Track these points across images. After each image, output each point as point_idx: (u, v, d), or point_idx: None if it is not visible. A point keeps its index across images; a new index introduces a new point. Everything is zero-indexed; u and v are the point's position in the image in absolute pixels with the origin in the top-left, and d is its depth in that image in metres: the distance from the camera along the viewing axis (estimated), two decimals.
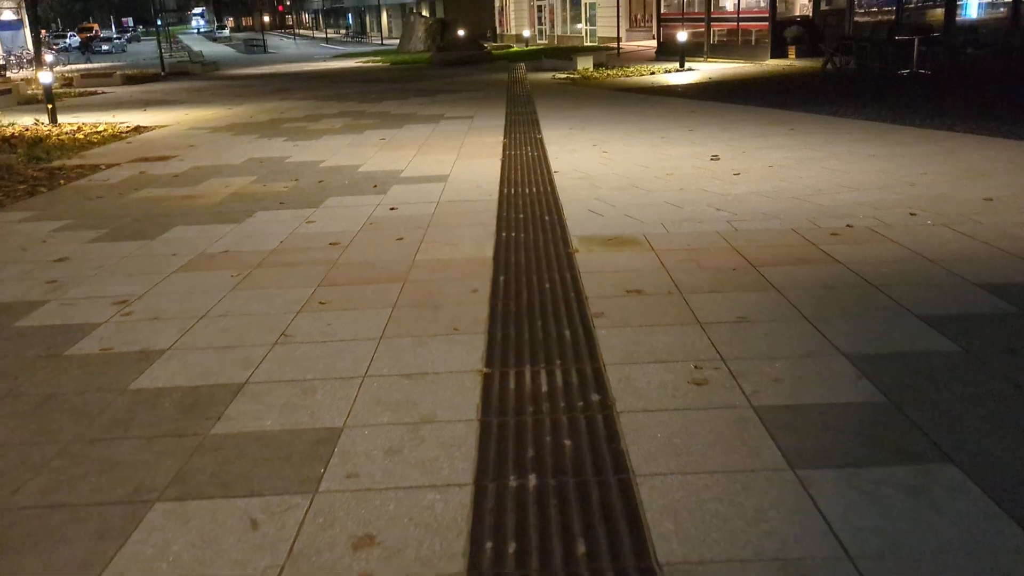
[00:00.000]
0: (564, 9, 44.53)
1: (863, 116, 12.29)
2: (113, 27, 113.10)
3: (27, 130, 14.59)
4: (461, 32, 38.65)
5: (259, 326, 4.61)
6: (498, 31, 52.46)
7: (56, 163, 11.17)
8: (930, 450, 3.01)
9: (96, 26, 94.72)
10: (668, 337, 4.16)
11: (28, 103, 22.01)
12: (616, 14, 33.26)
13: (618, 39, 32.03)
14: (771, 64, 22.71)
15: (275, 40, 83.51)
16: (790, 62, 22.54)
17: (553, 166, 9.33)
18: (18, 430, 3.49)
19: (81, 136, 13.68)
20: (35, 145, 12.67)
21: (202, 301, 5.11)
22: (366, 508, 2.79)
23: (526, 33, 45.55)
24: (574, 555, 2.49)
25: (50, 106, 15.73)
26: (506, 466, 2.99)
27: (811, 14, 23.54)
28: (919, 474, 2.86)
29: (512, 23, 50.24)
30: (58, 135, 13.82)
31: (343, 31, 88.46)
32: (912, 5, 20.57)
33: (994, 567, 2.39)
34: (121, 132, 14.27)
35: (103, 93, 25.30)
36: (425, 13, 57.49)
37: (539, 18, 47.72)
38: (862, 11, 21.85)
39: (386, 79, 26.12)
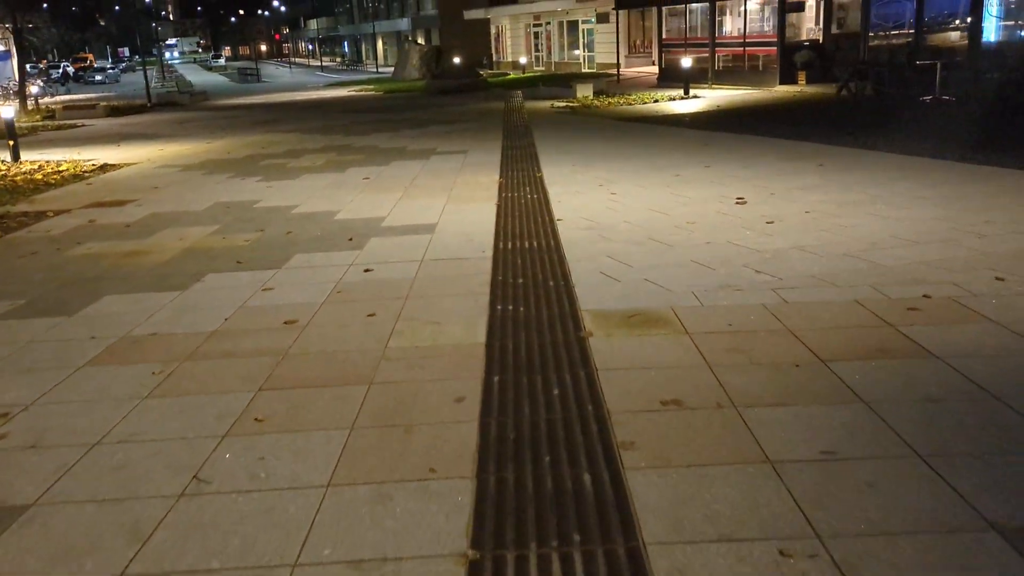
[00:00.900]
0: (561, 35, 43.67)
1: (895, 148, 11.15)
2: (109, 57, 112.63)
3: None
4: (456, 59, 37.74)
5: (167, 462, 3.40)
6: (494, 58, 51.64)
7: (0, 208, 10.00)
8: None
9: (91, 56, 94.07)
10: (729, 489, 2.95)
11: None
12: (615, 40, 32.32)
13: (618, 66, 31.04)
14: (780, 91, 21.65)
15: (270, 69, 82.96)
16: (800, 88, 21.49)
17: (556, 212, 8.16)
18: None
19: (39, 176, 12.53)
20: None
21: (104, 415, 3.90)
22: None
23: (523, 60, 44.69)
24: None
25: (11, 142, 14.58)
26: None
27: (821, 38, 22.51)
28: None
29: (508, 50, 49.43)
30: (14, 175, 12.66)
31: (339, 59, 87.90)
32: (931, 28, 19.53)
33: None
34: (85, 171, 13.12)
35: (83, 126, 24.21)
36: (420, 40, 56.76)
37: (536, 44, 46.88)
38: (877, 34, 20.81)
39: (378, 109, 25.07)
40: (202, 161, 14.04)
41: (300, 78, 59.37)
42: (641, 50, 37.48)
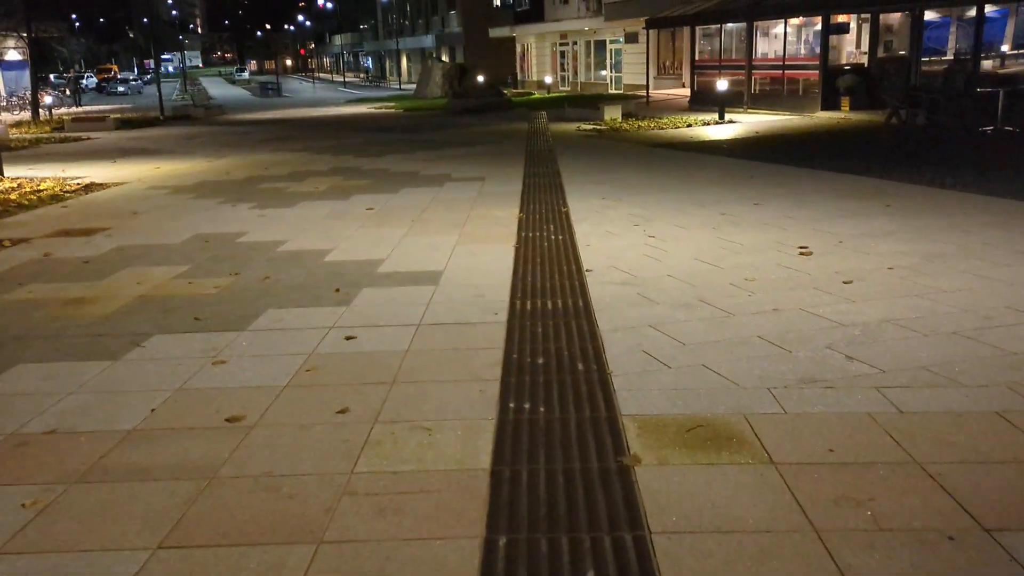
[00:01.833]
0: (588, 55, 42.52)
1: (969, 187, 9.79)
2: (135, 69, 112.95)
3: None
4: (480, 78, 36.67)
5: None
6: (519, 77, 50.58)
7: None
8: None
9: (115, 67, 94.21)
10: None
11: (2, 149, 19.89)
12: (645, 60, 31.10)
13: (647, 87, 29.79)
14: (823, 117, 20.30)
15: (293, 84, 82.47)
16: (844, 115, 20.13)
17: (584, 259, 6.87)
18: None
19: (15, 197, 11.41)
20: None
21: None
22: None
23: (548, 79, 43.57)
24: None
25: None
26: None
27: (867, 62, 21.15)
28: None
29: (534, 69, 48.34)
30: None
31: (363, 75, 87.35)
32: (990, 53, 18.14)
33: None
34: (66, 191, 11.99)
35: (88, 139, 23.24)
36: (444, 58, 55.85)
37: (562, 64, 45.77)
38: (931, 59, 19.45)
39: (396, 128, 23.94)
40: (197, 183, 12.88)
41: (322, 94, 58.61)
42: (671, 71, 36.23)
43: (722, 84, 21.08)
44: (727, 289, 5.85)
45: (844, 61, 21.93)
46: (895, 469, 3.20)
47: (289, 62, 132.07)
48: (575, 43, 43.12)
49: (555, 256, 7.03)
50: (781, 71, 22.50)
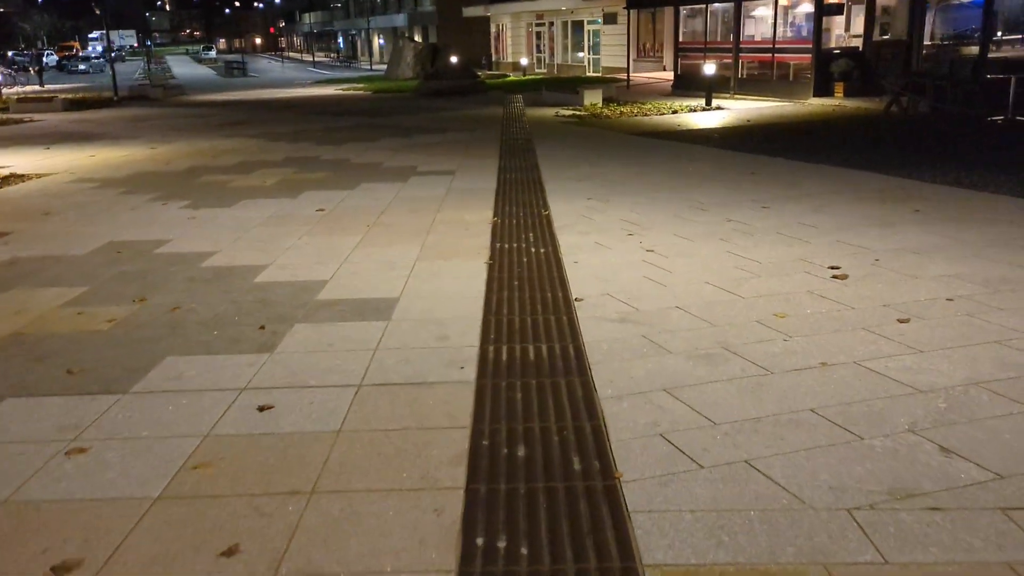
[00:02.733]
0: (565, 36, 41.09)
1: (1002, 188, 8.66)
2: (98, 46, 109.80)
3: None
4: (453, 59, 35.15)
5: None
6: (493, 58, 49.03)
7: None
8: None
9: (77, 45, 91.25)
10: None
11: None
12: (625, 42, 29.79)
13: (628, 70, 28.50)
14: (816, 104, 19.14)
15: (262, 63, 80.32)
16: (839, 102, 18.98)
17: (573, 283, 5.62)
18: None
19: None
20: None
21: None
22: None
23: (524, 61, 42.10)
24: None
25: None
26: None
27: (861, 46, 19.98)
28: None
29: (509, 50, 46.83)
30: None
31: (334, 54, 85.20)
32: (1001, 38, 17.02)
33: None
34: None
35: (31, 121, 21.62)
36: (417, 38, 54.20)
37: (538, 45, 44.29)
38: (933, 43, 18.31)
39: (362, 111, 22.49)
40: (131, 174, 11.46)
41: (290, 74, 56.76)
42: (651, 54, 34.94)
43: (709, 68, 19.82)
44: (754, 330, 4.62)
45: (837, 45, 20.75)
46: None
47: (259, 41, 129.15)
48: (552, 23, 41.69)
49: (536, 278, 5.76)
50: (771, 55, 21.29)
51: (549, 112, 19.76)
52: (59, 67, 70.73)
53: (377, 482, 3.08)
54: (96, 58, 79.67)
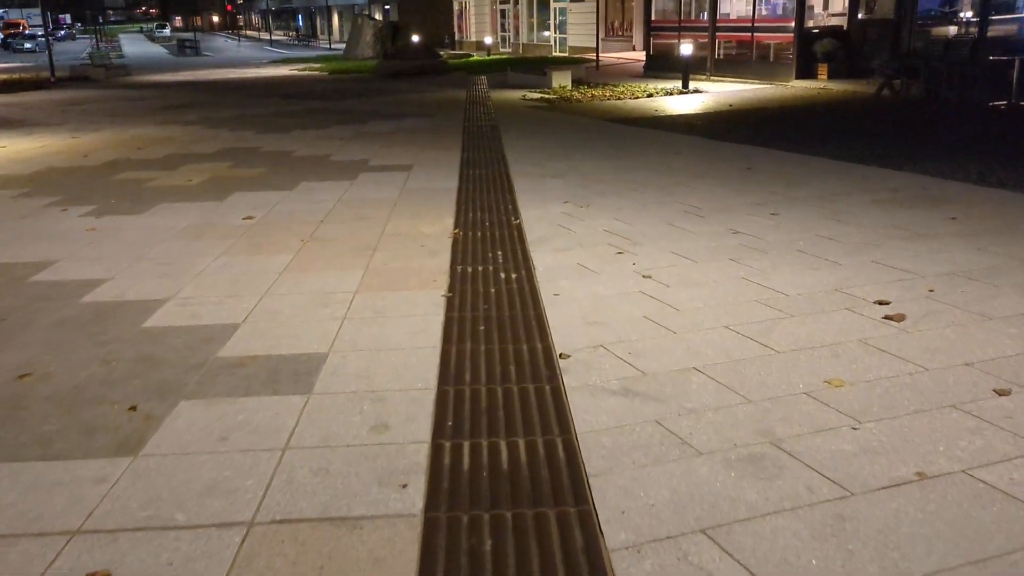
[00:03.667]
0: (531, 15, 39.64)
1: None
2: (47, 24, 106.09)
3: None
4: (415, 38, 33.59)
5: None
6: (457, 37, 47.41)
7: None
8: None
9: (24, 23, 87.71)
10: None
11: None
12: (595, 21, 28.45)
13: (597, 50, 27.19)
14: (799, 86, 18.01)
15: (218, 41, 77.82)
16: (824, 84, 17.86)
17: (556, 330, 4.35)
18: None
19: None
20: None
21: None
22: None
23: (488, 40, 40.60)
24: None
25: None
26: None
27: (846, 25, 18.85)
28: None
29: (472, 29, 45.24)
30: None
31: (292, 33, 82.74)
32: (1000, 17, 15.95)
33: None
34: None
35: None
36: (377, 16, 52.37)
37: (502, 24, 42.79)
38: (926, 22, 17.21)
39: (315, 94, 20.97)
40: (38, 171, 9.98)
41: (246, 53, 54.62)
42: (620, 33, 33.69)
43: (686, 48, 18.58)
44: (807, 409, 3.39)
45: (822, 23, 19.60)
46: None
47: (216, 19, 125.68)
48: (517, 1, 40.20)
49: (508, 319, 4.48)
50: (750, 34, 20.09)
51: (515, 95, 18.43)
52: (3, 45, 67.91)
53: None
54: (43, 36, 76.54)
